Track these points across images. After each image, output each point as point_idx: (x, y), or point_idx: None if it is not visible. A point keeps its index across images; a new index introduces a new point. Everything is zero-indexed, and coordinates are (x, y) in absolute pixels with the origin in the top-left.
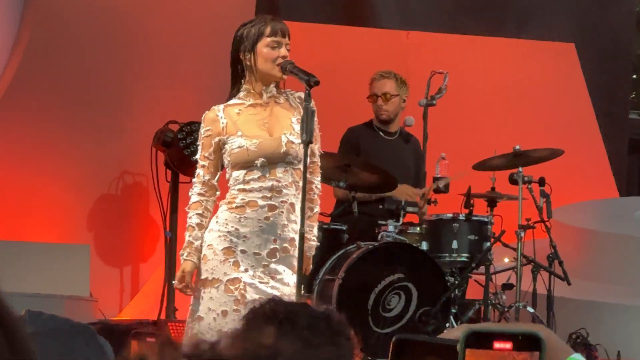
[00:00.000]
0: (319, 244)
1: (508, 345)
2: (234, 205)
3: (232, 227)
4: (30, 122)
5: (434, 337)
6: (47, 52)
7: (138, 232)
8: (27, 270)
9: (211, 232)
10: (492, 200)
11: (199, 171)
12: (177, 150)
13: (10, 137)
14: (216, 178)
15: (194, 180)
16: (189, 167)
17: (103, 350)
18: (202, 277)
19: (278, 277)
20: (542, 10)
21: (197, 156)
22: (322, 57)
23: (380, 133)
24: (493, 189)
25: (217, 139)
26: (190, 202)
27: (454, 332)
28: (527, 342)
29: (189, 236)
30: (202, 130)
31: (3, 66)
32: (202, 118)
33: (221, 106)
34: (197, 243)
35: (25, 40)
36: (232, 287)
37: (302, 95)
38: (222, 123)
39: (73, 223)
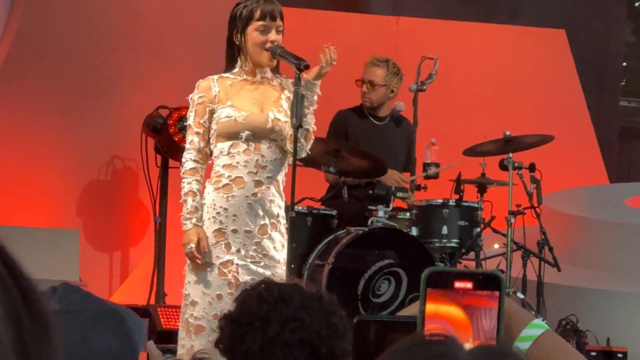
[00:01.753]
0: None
1: (469, 285)
2: (220, 185)
3: (221, 207)
4: (20, 107)
5: (393, 315)
6: (37, 38)
7: (128, 217)
8: (16, 255)
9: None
10: (482, 186)
11: (193, 138)
12: (167, 136)
13: (0, 122)
14: (209, 146)
15: (187, 146)
16: (179, 153)
17: (129, 337)
18: (194, 262)
19: (269, 254)
20: None
21: (190, 122)
22: (313, 42)
23: (370, 118)
24: (483, 174)
25: (209, 107)
26: (187, 168)
27: (412, 308)
28: (487, 281)
29: (194, 201)
30: (195, 97)
31: None
32: (196, 85)
33: (216, 76)
34: (200, 210)
35: (14, 25)
36: (225, 270)
37: (290, 79)
38: (215, 91)
39: (63, 208)
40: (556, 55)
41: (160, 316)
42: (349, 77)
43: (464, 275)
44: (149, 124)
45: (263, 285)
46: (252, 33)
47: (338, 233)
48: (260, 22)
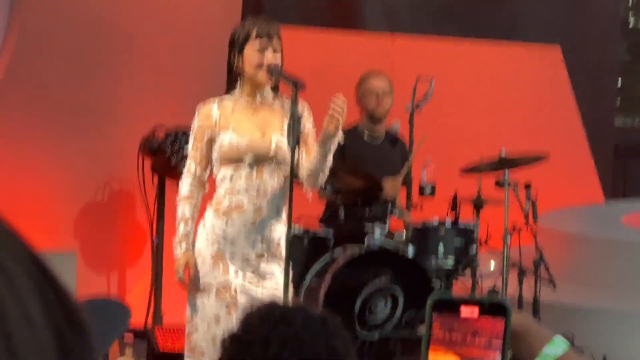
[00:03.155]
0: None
1: (475, 311)
2: (220, 211)
3: (220, 230)
4: (16, 127)
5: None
6: (33, 57)
7: (125, 238)
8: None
9: (200, 240)
10: (478, 205)
11: (191, 164)
12: (163, 158)
13: None
14: (207, 173)
15: (184, 172)
16: (176, 173)
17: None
18: (192, 284)
19: (269, 277)
20: (529, 15)
21: (189, 147)
22: (308, 60)
23: (365, 138)
24: (479, 193)
25: (208, 133)
26: (182, 195)
27: None
28: (494, 308)
29: (185, 228)
30: (194, 122)
31: None
32: (197, 109)
33: (216, 99)
34: (191, 236)
35: (11, 44)
36: (223, 291)
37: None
38: (215, 117)
39: (59, 229)
40: (551, 71)
41: (158, 338)
42: (344, 96)
43: (470, 302)
44: (145, 145)
45: (267, 306)
46: (249, 52)
47: (334, 253)
48: (257, 41)
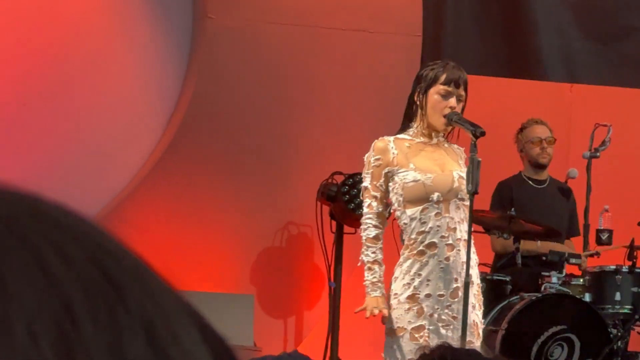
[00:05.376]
0: None
1: None
2: (415, 252)
3: (415, 273)
4: (196, 172)
5: None
6: (212, 102)
7: (302, 282)
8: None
9: (396, 281)
10: None
11: (372, 202)
12: (341, 204)
13: (176, 187)
14: (388, 210)
15: (365, 210)
16: (354, 220)
17: None
18: (388, 326)
19: (459, 317)
20: None
21: (366, 184)
22: (486, 108)
23: (531, 182)
24: None
25: (386, 170)
26: (370, 236)
27: None
28: None
29: (380, 270)
30: (371, 159)
31: (168, 117)
32: (372, 146)
33: (392, 137)
34: (382, 280)
35: (190, 90)
36: (416, 335)
37: (462, 148)
38: (393, 154)
39: (237, 273)
40: None
41: None
42: None
43: None
44: (323, 192)
45: (439, 350)
46: (434, 96)
47: (511, 299)
48: (444, 87)
